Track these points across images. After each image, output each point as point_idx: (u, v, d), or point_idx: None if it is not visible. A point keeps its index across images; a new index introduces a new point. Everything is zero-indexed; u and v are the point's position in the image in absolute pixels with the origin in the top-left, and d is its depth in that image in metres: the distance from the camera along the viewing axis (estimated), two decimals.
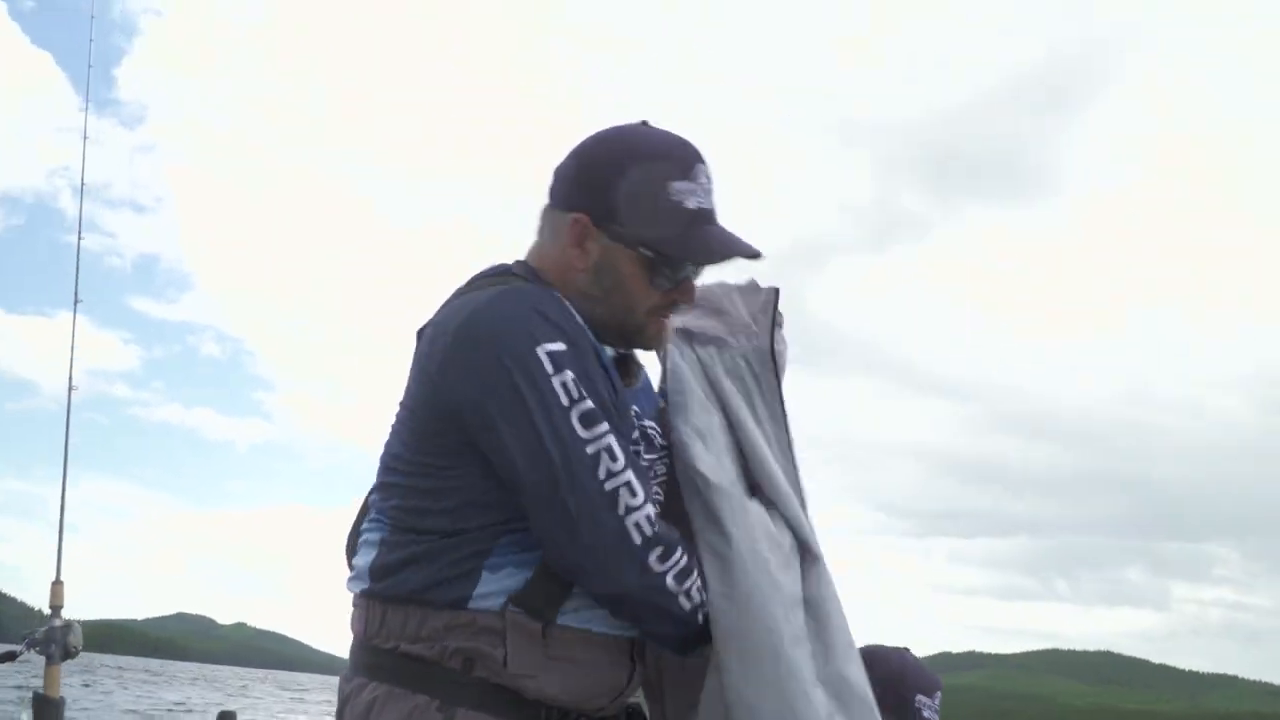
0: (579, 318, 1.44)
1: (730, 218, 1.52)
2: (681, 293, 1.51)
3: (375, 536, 1.48)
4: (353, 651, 1.49)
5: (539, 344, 1.35)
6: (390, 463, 1.48)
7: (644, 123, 1.52)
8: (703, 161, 1.50)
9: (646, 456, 1.52)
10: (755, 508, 1.48)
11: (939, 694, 2.41)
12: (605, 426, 1.36)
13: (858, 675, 1.45)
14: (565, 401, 1.35)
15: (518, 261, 1.55)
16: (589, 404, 1.36)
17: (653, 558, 1.36)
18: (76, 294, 3.53)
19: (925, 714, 2.38)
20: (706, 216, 1.48)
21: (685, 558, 1.40)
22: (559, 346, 1.37)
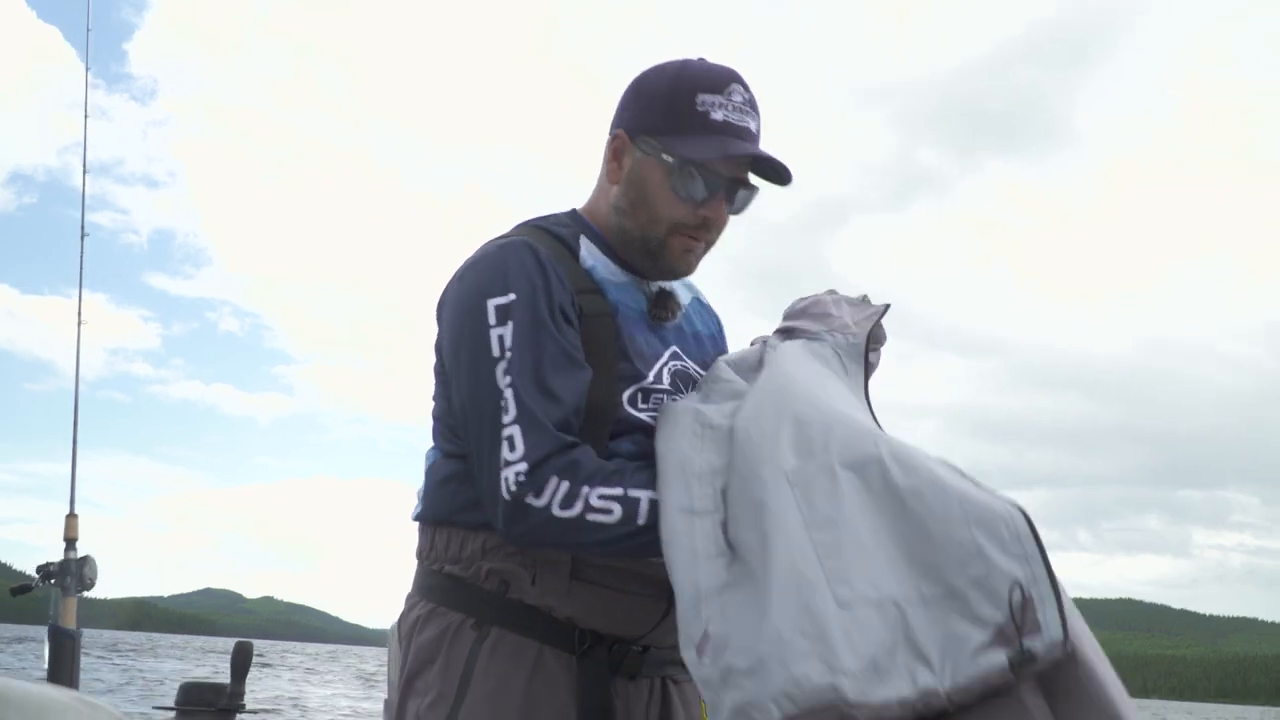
0: (550, 268, 1.48)
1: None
2: (710, 209, 1.52)
3: (427, 462, 1.57)
4: (414, 574, 1.58)
5: (487, 297, 1.45)
6: (437, 386, 1.57)
7: (700, 59, 1.55)
8: (741, 83, 1.52)
9: (672, 395, 1.54)
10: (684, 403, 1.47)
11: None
12: (523, 380, 1.41)
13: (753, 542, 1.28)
14: (495, 353, 1.42)
15: (568, 211, 1.65)
16: (514, 356, 1.42)
17: (529, 500, 1.37)
18: (81, 289, 3.70)
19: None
20: (732, 130, 1.49)
21: (566, 483, 1.38)
22: (506, 299, 1.44)
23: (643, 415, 1.51)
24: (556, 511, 1.37)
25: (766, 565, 1.23)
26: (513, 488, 1.37)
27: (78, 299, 3.65)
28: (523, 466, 1.38)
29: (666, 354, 1.58)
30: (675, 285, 1.66)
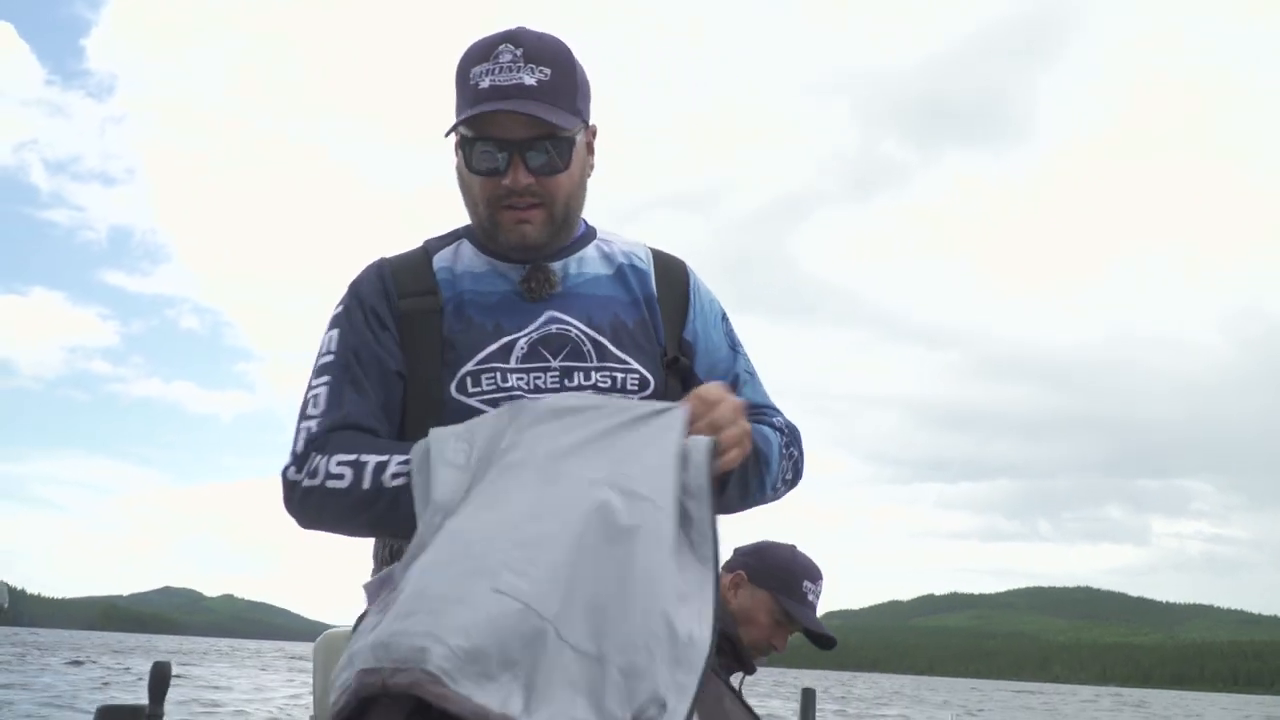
0: (377, 281, 1.63)
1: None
2: (508, 177, 1.53)
3: None
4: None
5: (336, 305, 1.65)
6: None
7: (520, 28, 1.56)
8: (513, 42, 1.52)
9: (543, 366, 1.57)
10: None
11: (821, 582, 2.82)
12: (326, 378, 1.57)
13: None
14: (320, 351, 1.61)
15: None
16: (327, 358, 1.59)
17: (290, 476, 1.49)
18: None
19: (810, 597, 2.79)
20: (499, 92, 1.50)
21: (319, 456, 1.47)
22: (339, 309, 1.63)
23: (470, 400, 1.54)
24: (306, 482, 1.46)
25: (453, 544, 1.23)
26: (286, 471, 1.49)
27: None
28: (299, 448, 1.50)
29: (534, 325, 1.59)
30: (586, 260, 1.67)
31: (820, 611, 2.85)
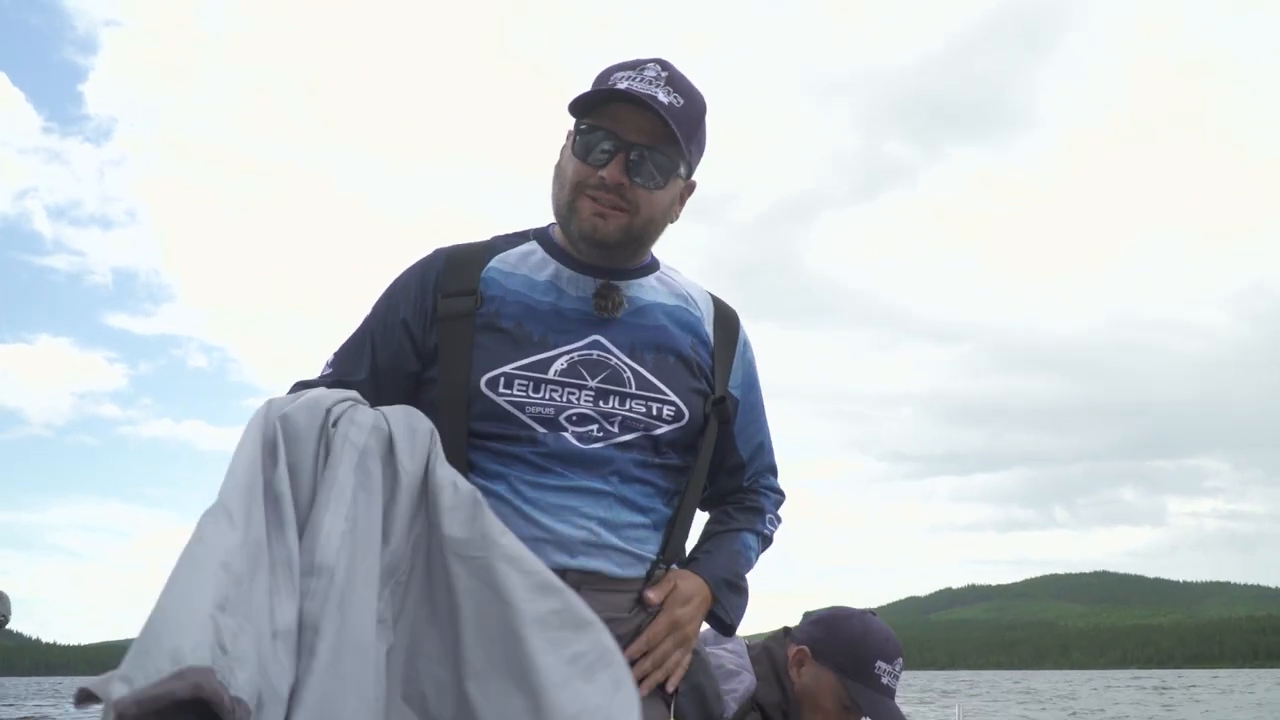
0: (426, 276, 1.66)
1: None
2: (607, 171, 1.55)
3: None
4: None
5: (398, 274, 1.71)
6: None
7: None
8: (661, 65, 1.58)
9: (579, 384, 1.58)
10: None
11: (900, 660, 2.41)
12: (345, 342, 1.68)
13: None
14: (370, 308, 1.70)
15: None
16: (359, 326, 1.68)
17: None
18: None
19: (884, 680, 2.37)
20: (631, 95, 1.53)
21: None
22: (393, 284, 1.69)
23: (499, 399, 1.55)
24: None
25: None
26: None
27: None
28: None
29: (576, 344, 1.61)
30: (646, 287, 1.70)
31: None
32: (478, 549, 1.31)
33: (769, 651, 2.45)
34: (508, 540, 1.33)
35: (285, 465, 1.27)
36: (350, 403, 1.38)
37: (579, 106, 1.57)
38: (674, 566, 1.66)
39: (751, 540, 1.78)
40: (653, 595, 1.59)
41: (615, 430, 1.59)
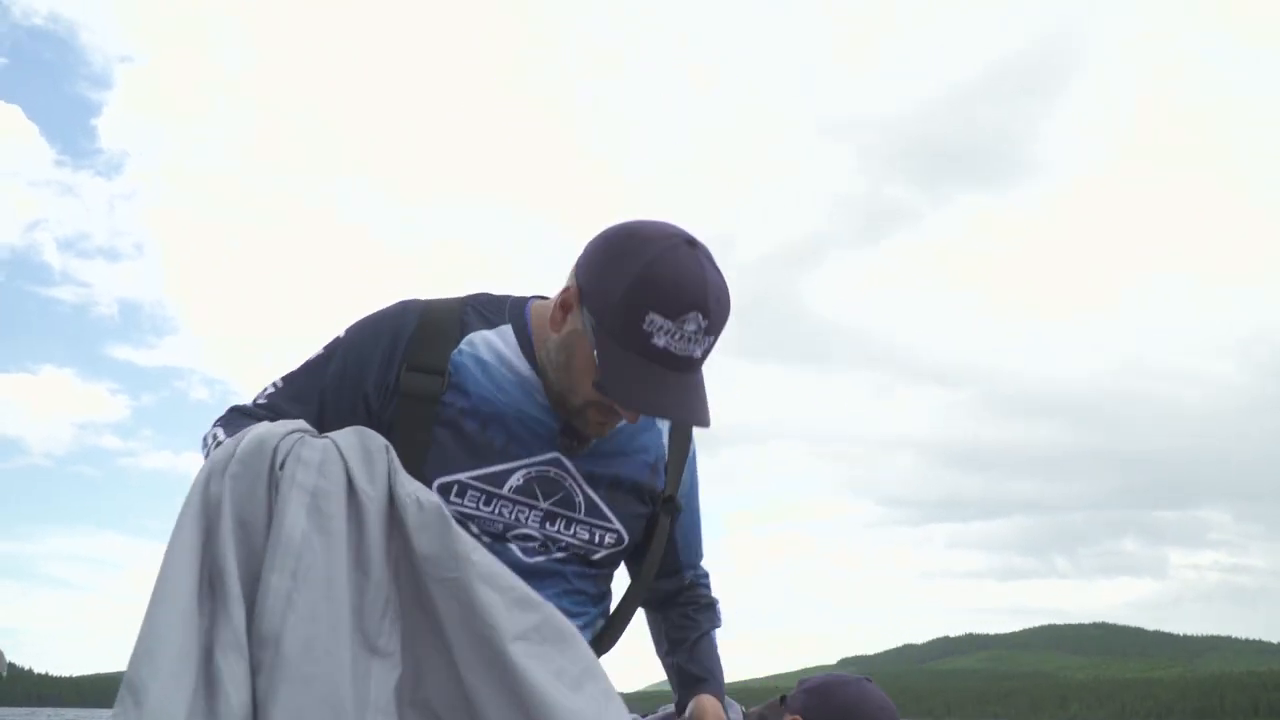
0: (394, 345, 1.58)
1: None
2: (621, 407, 1.51)
3: None
4: None
5: (345, 327, 1.64)
6: None
7: (691, 242, 1.49)
8: (704, 313, 1.46)
9: (530, 504, 1.58)
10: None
11: None
12: (273, 387, 1.61)
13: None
14: (306, 359, 1.62)
15: (535, 297, 1.70)
16: (310, 375, 1.60)
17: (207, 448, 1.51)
18: None
19: None
20: (667, 359, 1.45)
21: (219, 431, 1.52)
22: (340, 335, 1.63)
23: (450, 507, 1.47)
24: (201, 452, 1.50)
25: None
26: (209, 440, 1.53)
27: None
28: (220, 433, 1.53)
29: (536, 459, 1.58)
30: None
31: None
32: (450, 569, 1.28)
33: None
34: (480, 556, 1.30)
35: (230, 531, 1.22)
36: (298, 435, 1.31)
37: (614, 335, 1.47)
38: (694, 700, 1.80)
39: (716, 638, 1.89)
40: None
41: (556, 552, 1.60)
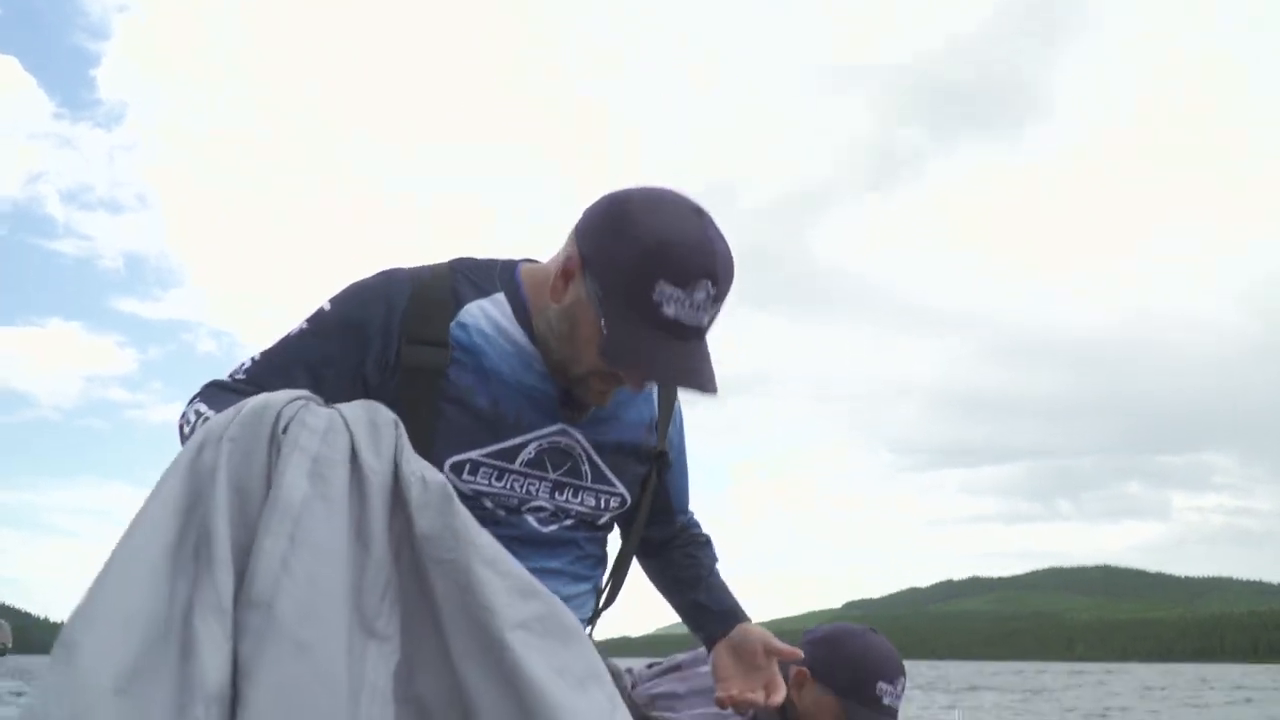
0: (389, 314, 1.52)
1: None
2: (627, 375, 1.50)
3: None
4: None
5: (328, 298, 1.57)
6: None
7: (698, 211, 1.47)
8: (713, 280, 1.43)
9: (540, 476, 1.56)
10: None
11: (902, 679, 2.34)
12: (250, 362, 1.54)
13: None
14: (282, 336, 1.56)
15: (523, 260, 1.64)
16: (276, 342, 1.54)
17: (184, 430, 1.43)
18: None
19: (885, 700, 2.30)
20: (676, 329, 1.43)
21: (202, 407, 1.43)
22: (324, 307, 1.54)
23: (463, 485, 1.48)
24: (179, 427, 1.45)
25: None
26: (189, 417, 1.44)
27: None
28: (203, 407, 1.44)
29: (545, 430, 1.56)
30: None
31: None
32: (449, 549, 1.22)
33: None
34: (484, 540, 1.25)
35: (225, 497, 1.16)
36: (302, 402, 1.26)
37: (620, 303, 1.43)
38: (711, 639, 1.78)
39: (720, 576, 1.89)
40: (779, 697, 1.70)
41: (566, 520, 1.60)
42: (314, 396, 1.30)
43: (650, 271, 1.41)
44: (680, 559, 1.89)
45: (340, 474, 1.20)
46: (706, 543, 1.91)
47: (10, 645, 3.10)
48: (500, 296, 1.58)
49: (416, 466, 1.26)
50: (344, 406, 1.28)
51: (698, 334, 1.46)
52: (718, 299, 1.46)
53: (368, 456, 1.23)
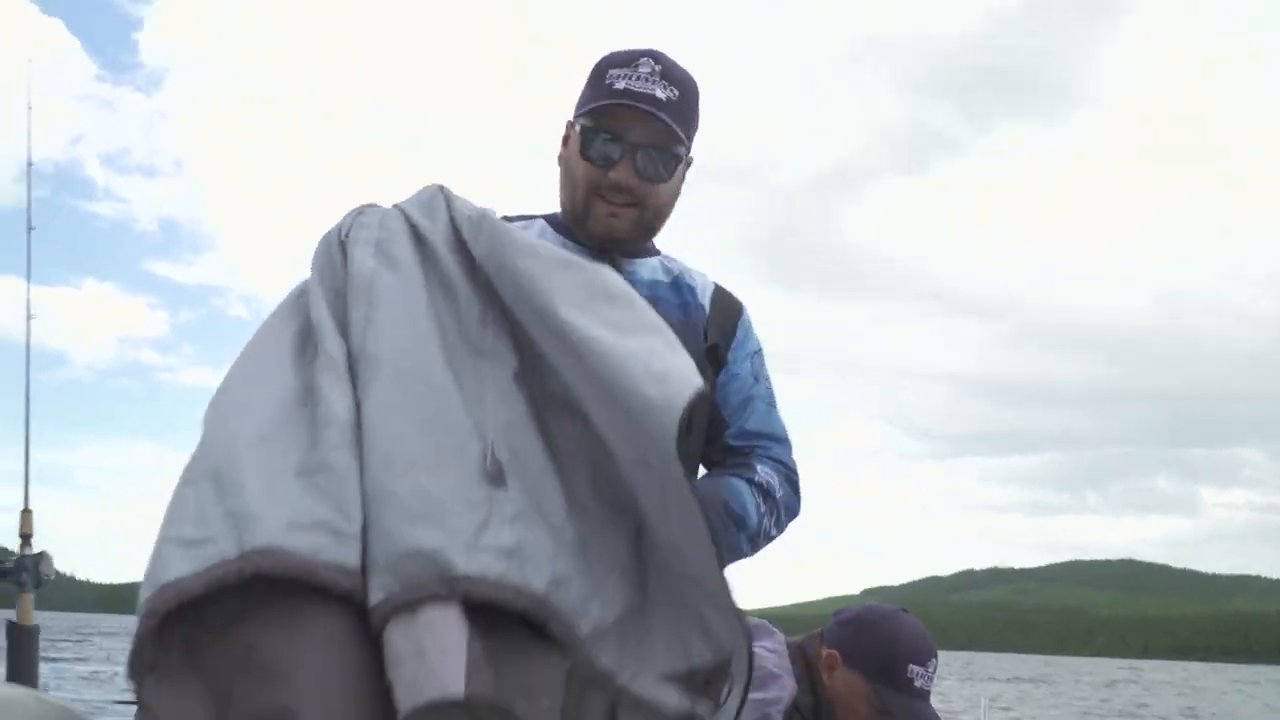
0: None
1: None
2: (616, 171, 1.63)
3: None
4: None
5: None
6: None
7: (651, 52, 1.68)
8: (654, 59, 1.65)
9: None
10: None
11: (934, 661, 2.32)
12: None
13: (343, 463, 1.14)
14: None
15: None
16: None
17: None
18: (29, 284, 3.47)
19: (917, 683, 2.27)
20: (630, 95, 1.62)
21: None
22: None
23: None
24: None
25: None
26: None
27: (26, 294, 3.52)
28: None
29: None
30: (647, 266, 1.77)
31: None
32: (495, 256, 1.33)
33: (804, 653, 2.38)
34: (518, 236, 1.35)
35: (319, 293, 1.29)
36: (357, 210, 1.39)
37: (582, 108, 1.66)
38: None
39: (741, 485, 1.70)
40: None
41: None
42: (371, 205, 1.40)
43: (600, 69, 1.67)
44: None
45: (402, 243, 1.32)
46: (743, 465, 1.74)
47: (54, 576, 3.08)
48: (541, 222, 1.77)
49: (467, 210, 1.39)
50: (399, 202, 1.41)
51: (651, 101, 1.62)
52: (666, 76, 1.64)
53: (422, 221, 1.36)
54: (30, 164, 3.62)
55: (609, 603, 1.18)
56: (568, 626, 1.12)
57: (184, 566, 1.03)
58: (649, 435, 1.16)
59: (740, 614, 1.19)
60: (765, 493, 1.71)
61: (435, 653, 1.02)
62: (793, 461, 1.80)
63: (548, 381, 1.29)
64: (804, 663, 2.35)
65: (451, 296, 1.31)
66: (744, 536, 1.66)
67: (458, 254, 1.34)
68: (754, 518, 1.66)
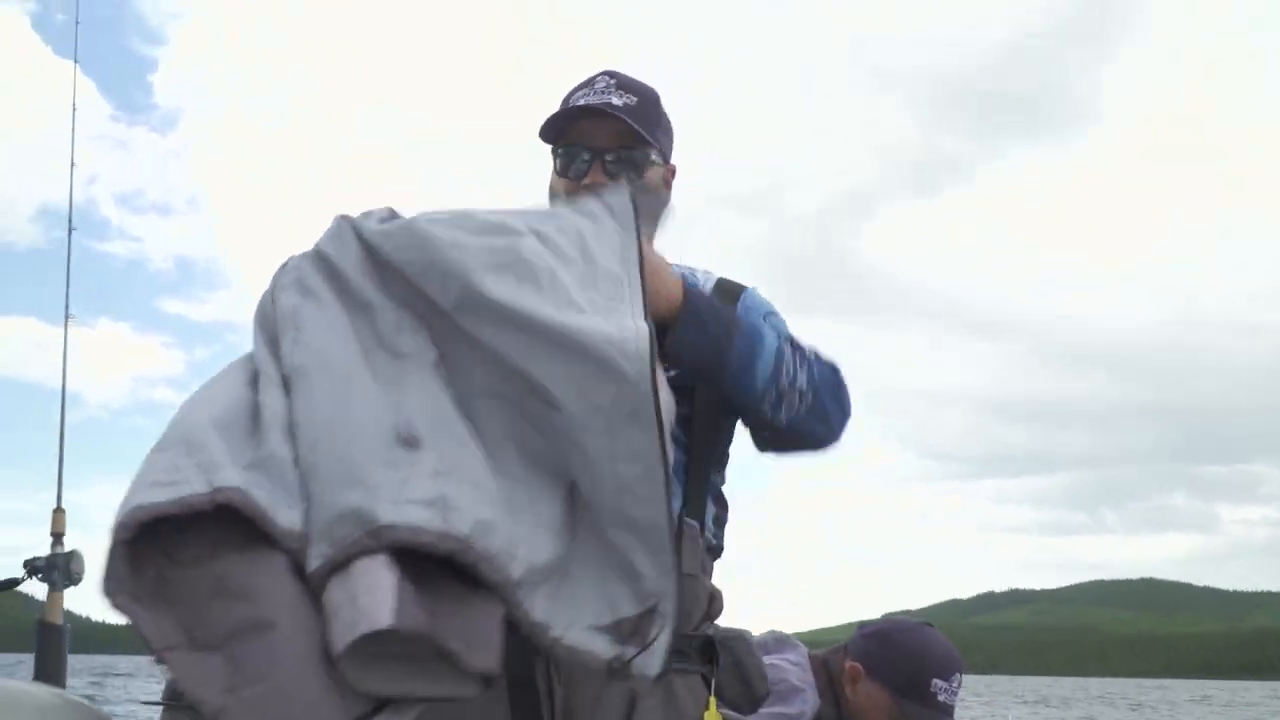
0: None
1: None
2: (590, 178, 1.68)
3: None
4: None
5: None
6: None
7: (607, 71, 1.77)
8: (610, 75, 1.75)
9: None
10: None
11: (958, 676, 2.29)
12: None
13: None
14: None
15: None
16: None
17: None
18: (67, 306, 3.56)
19: (941, 697, 2.24)
20: (586, 111, 1.70)
21: None
22: None
23: None
24: None
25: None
26: None
27: (63, 325, 3.55)
28: None
29: None
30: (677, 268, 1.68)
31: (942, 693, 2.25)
32: (409, 244, 1.36)
33: (827, 666, 2.37)
34: (448, 234, 1.35)
35: (261, 340, 1.38)
36: (280, 267, 1.46)
37: (549, 133, 1.73)
38: (691, 523, 1.58)
39: (758, 320, 1.67)
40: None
41: None
42: (291, 255, 1.47)
43: (566, 97, 1.76)
44: None
45: (316, 278, 1.39)
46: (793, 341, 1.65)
47: (84, 575, 3.01)
48: None
49: (378, 226, 1.42)
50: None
51: (610, 108, 1.68)
52: (622, 86, 1.72)
53: (331, 250, 1.41)
54: (71, 227, 3.62)
55: (537, 549, 1.21)
56: (498, 570, 1.16)
57: (157, 495, 1.12)
58: (607, 369, 1.21)
59: (674, 551, 1.21)
60: (792, 344, 1.63)
61: (364, 594, 1.07)
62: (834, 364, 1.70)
63: (474, 370, 1.32)
64: (826, 676, 2.34)
65: (367, 312, 1.36)
66: (762, 357, 1.55)
67: (369, 274, 1.38)
68: (771, 341, 1.57)
